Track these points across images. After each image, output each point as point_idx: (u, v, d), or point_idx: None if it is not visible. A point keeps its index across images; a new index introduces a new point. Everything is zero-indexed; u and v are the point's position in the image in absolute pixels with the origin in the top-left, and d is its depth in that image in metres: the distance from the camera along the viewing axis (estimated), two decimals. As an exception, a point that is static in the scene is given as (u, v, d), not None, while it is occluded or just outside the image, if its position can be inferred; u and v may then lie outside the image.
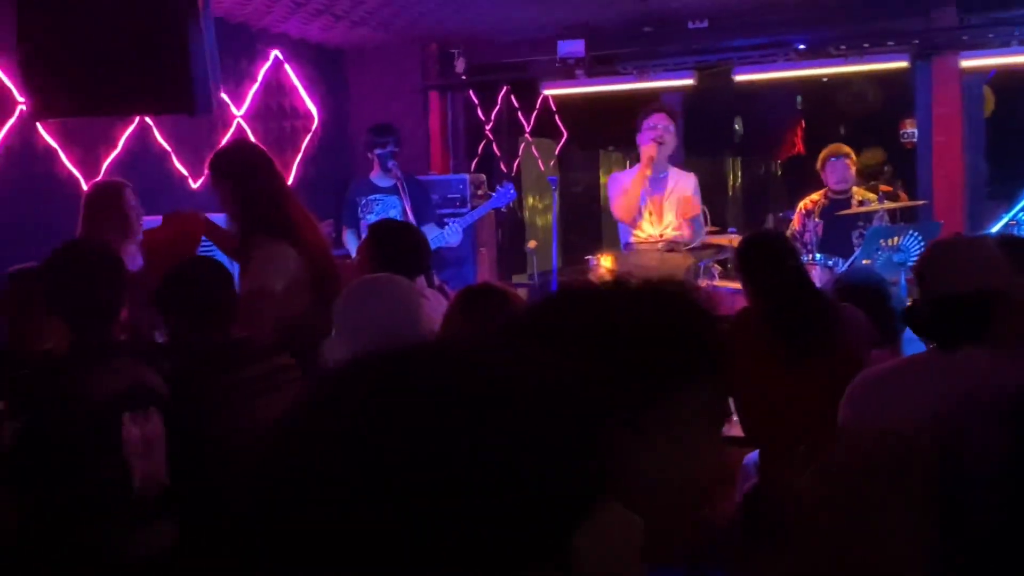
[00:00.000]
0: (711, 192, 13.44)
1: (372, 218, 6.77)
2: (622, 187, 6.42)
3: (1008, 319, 2.51)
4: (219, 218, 5.47)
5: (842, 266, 6.01)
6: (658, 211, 6.37)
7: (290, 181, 7.83)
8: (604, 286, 1.11)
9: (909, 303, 4.73)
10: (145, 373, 2.74)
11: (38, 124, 5.57)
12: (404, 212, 6.65)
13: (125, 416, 2.52)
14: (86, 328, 2.78)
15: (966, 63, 7.21)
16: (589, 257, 7.90)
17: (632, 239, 6.46)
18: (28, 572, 2.43)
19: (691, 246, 6.34)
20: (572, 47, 7.87)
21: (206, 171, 4.54)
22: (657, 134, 6.23)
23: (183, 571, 2.61)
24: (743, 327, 3.77)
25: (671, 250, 6.23)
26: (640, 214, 6.37)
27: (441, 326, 2.97)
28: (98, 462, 2.48)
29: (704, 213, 6.64)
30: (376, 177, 6.84)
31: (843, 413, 2.84)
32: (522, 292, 8.99)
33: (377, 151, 6.77)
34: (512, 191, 7.18)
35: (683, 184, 6.42)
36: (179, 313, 3.23)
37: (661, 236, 6.32)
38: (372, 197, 6.83)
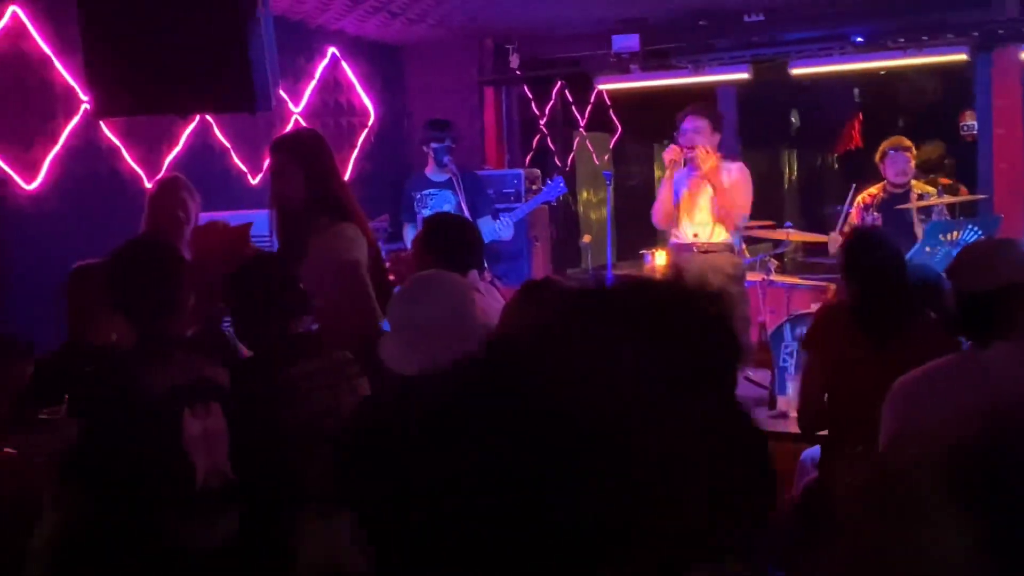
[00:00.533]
0: (767, 186, 13.34)
1: (427, 213, 6.82)
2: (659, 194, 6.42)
3: None
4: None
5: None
6: (693, 207, 6.26)
7: (346, 177, 7.92)
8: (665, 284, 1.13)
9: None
10: (207, 367, 2.79)
11: (101, 123, 5.69)
12: (459, 206, 6.69)
13: (186, 411, 2.57)
14: (149, 324, 2.84)
15: (1028, 54, 7.10)
16: (644, 252, 7.89)
17: (672, 239, 6.43)
18: (95, 567, 2.49)
19: (731, 242, 6.21)
20: (626, 42, 7.85)
21: (269, 157, 4.58)
22: (686, 139, 6.18)
23: (246, 562, 2.67)
24: (834, 320, 3.87)
25: (707, 251, 6.14)
26: (676, 215, 6.30)
27: (501, 319, 3.01)
28: (160, 457, 2.53)
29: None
30: (431, 172, 6.89)
31: (885, 415, 2.85)
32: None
33: (433, 145, 6.82)
34: (562, 184, 7.18)
35: (724, 176, 6.26)
36: (244, 307, 3.30)
37: (695, 236, 6.19)
38: (427, 192, 6.88)
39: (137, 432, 2.53)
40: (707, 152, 6.05)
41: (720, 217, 6.11)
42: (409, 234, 6.89)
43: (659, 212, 6.39)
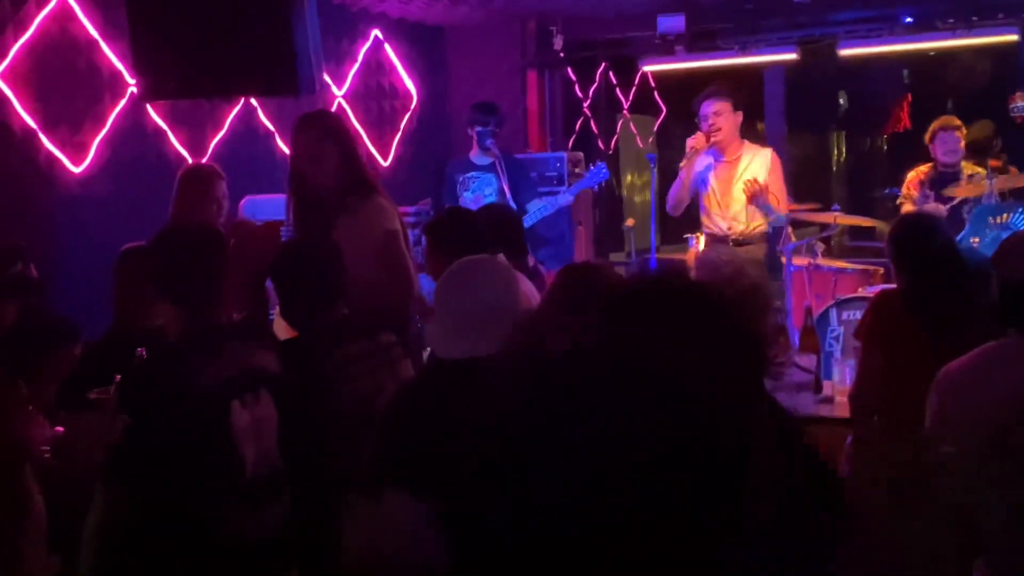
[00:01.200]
0: (813, 168, 13.22)
1: (469, 196, 6.82)
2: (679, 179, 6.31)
3: None
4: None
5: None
6: (726, 199, 6.14)
7: (389, 160, 7.94)
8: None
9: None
10: (256, 355, 2.80)
11: (148, 105, 5.74)
12: (501, 190, 6.69)
13: (235, 402, 2.57)
14: (197, 312, 2.84)
15: (1081, 34, 6.96)
16: (688, 236, 7.83)
17: (706, 229, 6.28)
18: (145, 560, 2.50)
19: (766, 230, 6.14)
20: (672, 23, 7.78)
21: (296, 137, 4.56)
22: (706, 125, 6.09)
23: (297, 551, 2.68)
24: (888, 310, 3.82)
25: (742, 244, 6.04)
26: (704, 204, 6.20)
27: (542, 304, 3.00)
28: (210, 451, 2.53)
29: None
30: (475, 156, 6.88)
31: (931, 402, 2.83)
32: (620, 271, 8.96)
33: (478, 128, 6.81)
34: (604, 171, 7.14)
35: (755, 165, 6.15)
36: (293, 290, 3.32)
37: (730, 229, 6.11)
38: (470, 175, 6.88)
39: (187, 428, 2.53)
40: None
41: (759, 209, 6.04)
42: (450, 217, 6.88)
43: (673, 199, 6.34)
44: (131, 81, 5.50)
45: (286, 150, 6.91)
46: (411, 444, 2.51)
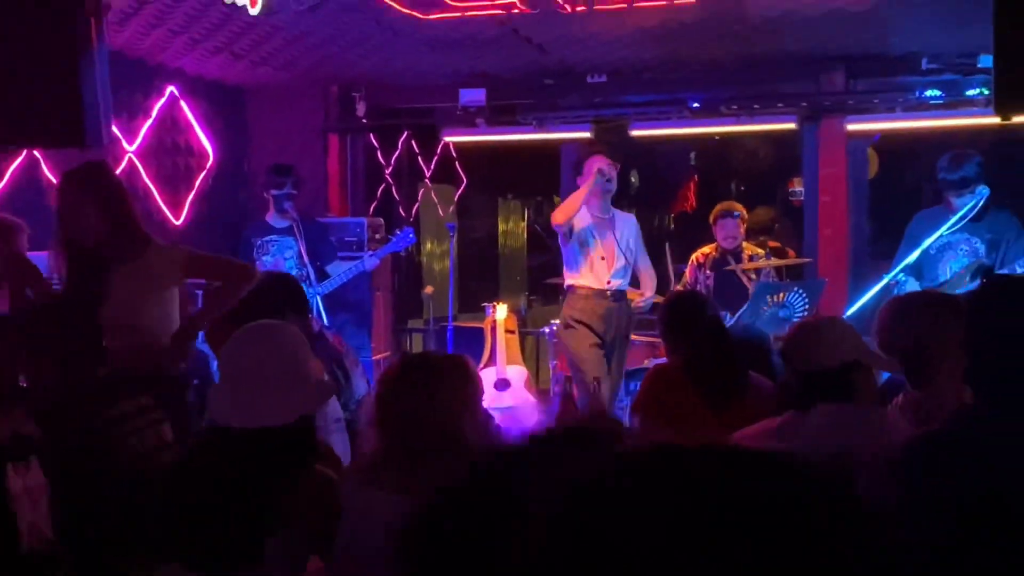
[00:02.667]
0: (607, 243, 13.63)
1: (268, 259, 6.70)
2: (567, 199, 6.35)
3: (866, 383, 2.87)
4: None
5: (729, 320, 6.12)
6: (610, 255, 6.24)
7: (182, 219, 7.72)
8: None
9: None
10: (22, 421, 2.64)
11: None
12: (300, 254, 6.61)
13: (8, 466, 2.41)
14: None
15: (852, 127, 7.47)
16: (485, 305, 7.93)
17: (577, 283, 6.26)
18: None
19: (646, 299, 6.31)
20: (474, 95, 7.92)
21: (57, 194, 4.43)
22: (601, 180, 6.15)
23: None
24: (666, 384, 3.93)
25: (617, 300, 6.19)
26: (588, 258, 6.23)
27: (376, 393, 2.93)
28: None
29: None
30: (271, 218, 6.79)
31: None
32: (417, 337, 8.96)
33: (274, 192, 6.73)
34: (412, 235, 7.18)
35: (630, 228, 6.39)
36: (43, 354, 3.14)
37: (609, 283, 6.20)
38: (268, 238, 6.77)
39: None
40: None
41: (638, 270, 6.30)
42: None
43: (569, 212, 6.14)
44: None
45: (71, 205, 6.63)
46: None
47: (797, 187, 9.89)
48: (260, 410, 2.47)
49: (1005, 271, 5.61)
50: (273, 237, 6.77)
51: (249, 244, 6.80)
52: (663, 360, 5.38)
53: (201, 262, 4.45)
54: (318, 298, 6.65)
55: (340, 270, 6.67)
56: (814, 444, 2.69)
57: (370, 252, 7.37)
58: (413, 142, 10.01)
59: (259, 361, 2.53)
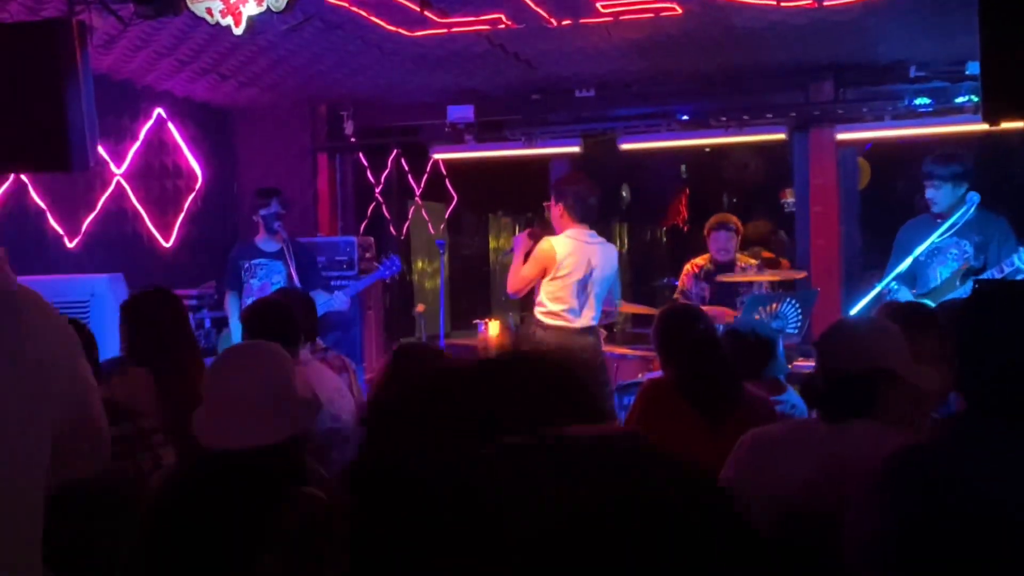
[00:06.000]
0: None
1: (255, 283, 6.67)
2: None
3: (896, 397, 2.63)
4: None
5: (723, 331, 6.07)
6: (588, 294, 5.80)
7: (171, 240, 7.69)
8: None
9: (789, 368, 4.90)
10: None
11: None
12: (289, 277, 6.58)
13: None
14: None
15: (841, 136, 7.46)
16: (477, 321, 7.89)
17: (548, 318, 5.80)
18: None
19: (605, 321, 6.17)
20: (462, 112, 7.92)
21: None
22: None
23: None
24: (658, 398, 3.87)
25: (594, 335, 5.96)
26: (572, 303, 5.77)
27: (371, 387, 2.95)
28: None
29: None
30: (261, 241, 6.75)
31: (725, 473, 2.87)
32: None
33: (262, 212, 6.70)
34: (398, 263, 7.14)
35: (609, 260, 5.95)
36: None
37: (591, 321, 5.83)
38: (256, 261, 6.73)
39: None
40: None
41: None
42: (232, 303, 6.72)
43: (521, 284, 5.82)
44: None
45: (59, 229, 6.60)
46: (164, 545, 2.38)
47: (789, 198, 9.89)
48: (247, 431, 2.44)
49: (994, 270, 5.61)
50: (262, 260, 6.74)
51: (236, 266, 6.77)
52: (657, 374, 5.35)
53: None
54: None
55: (319, 300, 6.62)
56: (825, 459, 2.61)
57: (353, 273, 7.36)
58: (402, 160, 10.01)
59: (246, 381, 2.50)
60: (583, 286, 5.74)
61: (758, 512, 2.61)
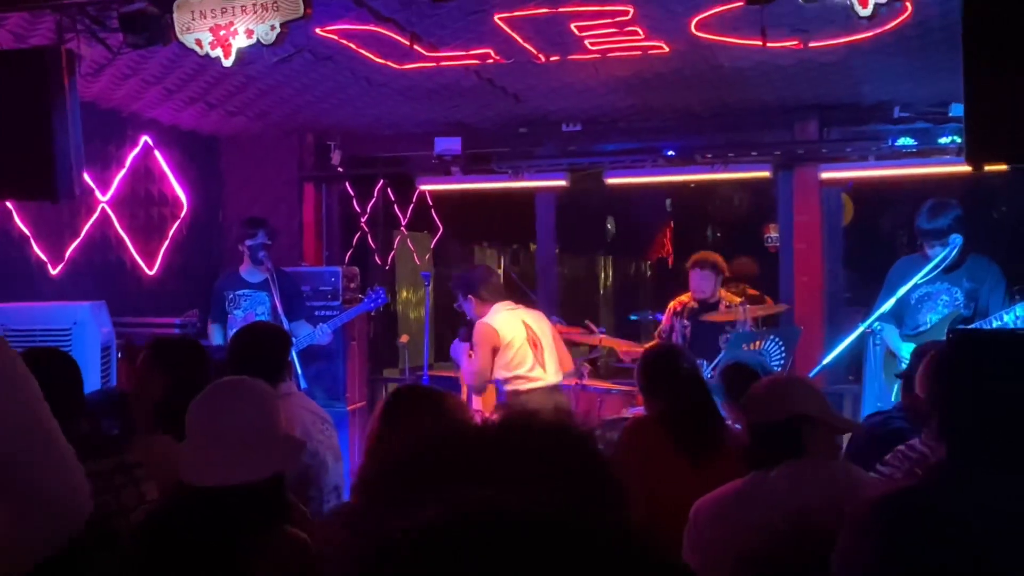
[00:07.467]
0: (582, 290, 13.65)
1: (239, 313, 6.65)
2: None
3: (817, 438, 2.91)
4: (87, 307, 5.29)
5: (707, 369, 6.09)
6: (552, 353, 6.06)
7: (155, 268, 7.66)
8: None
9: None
10: None
11: None
12: (273, 308, 6.56)
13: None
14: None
15: (826, 175, 7.50)
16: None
17: (519, 384, 5.94)
18: None
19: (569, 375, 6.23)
20: (449, 144, 7.93)
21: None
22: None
23: None
24: (643, 437, 3.89)
25: (559, 391, 6.05)
26: (532, 360, 5.96)
27: (370, 428, 2.95)
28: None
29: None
30: (246, 271, 6.74)
31: (686, 537, 2.93)
32: (393, 387, 8.88)
33: (248, 242, 6.69)
34: (383, 295, 7.14)
35: (539, 316, 6.21)
36: None
37: (559, 378, 6.04)
38: (240, 292, 6.72)
39: None
40: None
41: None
42: (215, 334, 6.70)
43: (484, 378, 5.99)
44: None
45: (43, 256, 6.57)
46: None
47: (773, 233, 9.92)
48: (231, 468, 2.43)
49: (983, 323, 5.59)
50: (246, 291, 6.72)
51: (221, 296, 6.75)
52: (640, 409, 5.35)
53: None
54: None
55: (302, 332, 6.63)
56: (775, 506, 2.70)
57: (338, 303, 7.37)
58: (389, 190, 10.02)
59: (231, 418, 2.49)
60: (532, 344, 5.97)
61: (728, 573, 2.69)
